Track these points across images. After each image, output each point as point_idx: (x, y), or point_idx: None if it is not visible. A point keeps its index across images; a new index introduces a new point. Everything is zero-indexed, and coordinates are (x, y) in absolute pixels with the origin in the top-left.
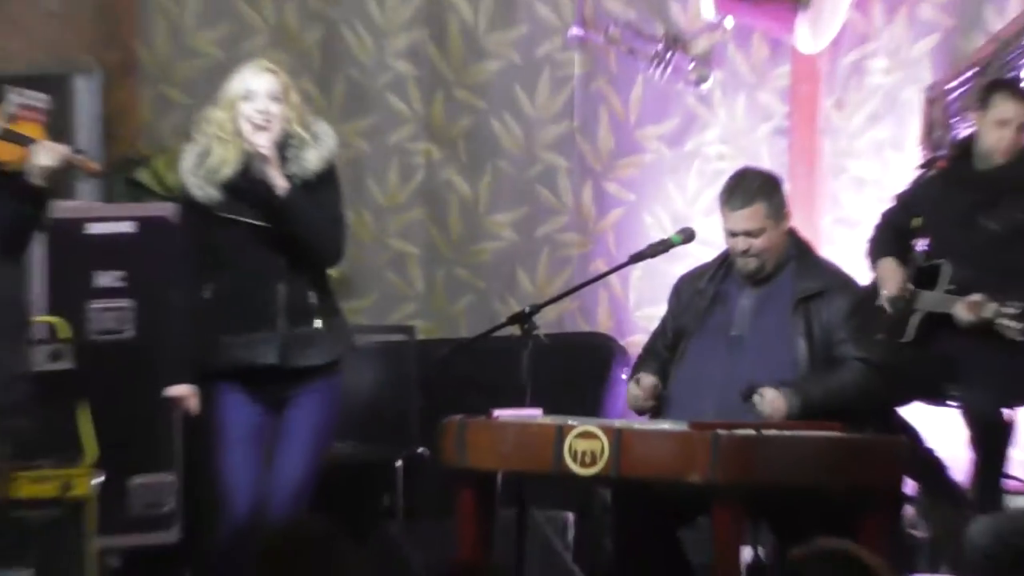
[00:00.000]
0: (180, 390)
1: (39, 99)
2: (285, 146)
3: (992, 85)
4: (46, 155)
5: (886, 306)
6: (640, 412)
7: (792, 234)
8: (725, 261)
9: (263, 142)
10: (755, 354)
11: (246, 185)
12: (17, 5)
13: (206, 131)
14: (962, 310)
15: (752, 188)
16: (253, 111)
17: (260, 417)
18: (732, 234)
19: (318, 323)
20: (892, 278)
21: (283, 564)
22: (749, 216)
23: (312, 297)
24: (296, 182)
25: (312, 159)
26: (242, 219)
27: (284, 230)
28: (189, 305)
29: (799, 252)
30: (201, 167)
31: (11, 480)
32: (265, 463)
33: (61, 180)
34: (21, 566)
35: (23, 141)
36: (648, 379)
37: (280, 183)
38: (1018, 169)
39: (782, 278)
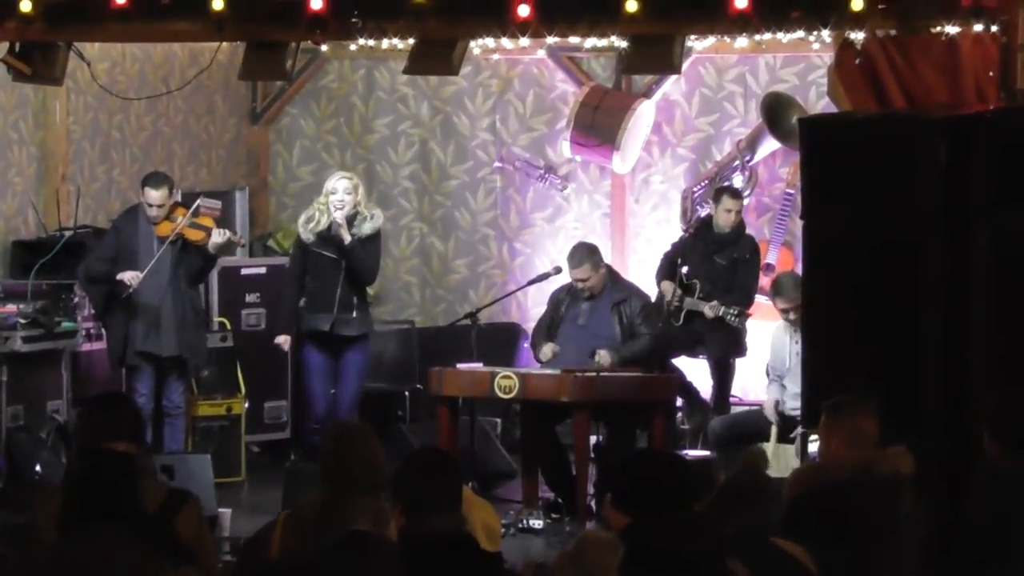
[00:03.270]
0: (280, 338)
1: (215, 203)
2: (354, 217)
3: (721, 189)
4: (216, 236)
5: (666, 305)
6: (542, 362)
7: (609, 270)
8: (573, 286)
9: (339, 216)
10: (593, 333)
11: (328, 236)
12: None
13: (315, 205)
14: (708, 310)
15: (580, 254)
16: (335, 199)
17: (327, 361)
18: (573, 279)
19: (355, 314)
20: (668, 291)
21: (339, 442)
22: (581, 272)
23: (354, 300)
24: (356, 237)
25: (367, 228)
26: (324, 253)
27: (346, 263)
28: (291, 300)
29: (612, 279)
30: (308, 223)
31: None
32: (331, 388)
33: (225, 249)
34: (204, 452)
35: (202, 228)
36: (553, 346)
37: (346, 238)
38: (736, 233)
39: (604, 294)
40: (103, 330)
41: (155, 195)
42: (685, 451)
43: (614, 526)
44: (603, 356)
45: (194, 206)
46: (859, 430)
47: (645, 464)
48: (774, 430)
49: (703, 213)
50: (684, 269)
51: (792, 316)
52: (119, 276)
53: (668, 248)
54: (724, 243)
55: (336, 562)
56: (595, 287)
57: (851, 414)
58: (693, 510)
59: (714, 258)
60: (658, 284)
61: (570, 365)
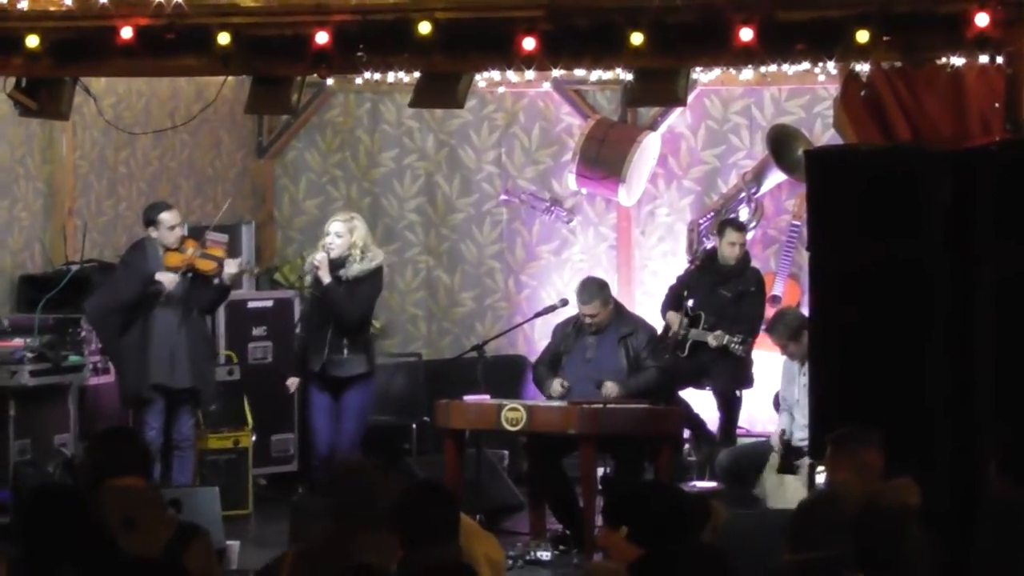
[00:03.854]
0: (289, 380)
1: (222, 237)
2: (347, 258)
3: (724, 222)
4: (229, 267)
5: (671, 336)
6: (552, 397)
7: (615, 303)
8: (579, 319)
9: (318, 257)
10: (600, 366)
11: (316, 276)
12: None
13: (319, 244)
14: (712, 339)
15: (590, 291)
16: (327, 240)
17: (329, 399)
18: (582, 315)
19: (346, 354)
20: (675, 321)
21: (346, 479)
22: (590, 308)
23: (345, 339)
24: (341, 279)
25: (354, 269)
26: (314, 292)
27: (326, 304)
28: (301, 340)
29: (619, 313)
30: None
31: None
32: (334, 425)
33: (236, 279)
34: (212, 485)
35: (213, 259)
36: (561, 381)
37: (324, 279)
38: (741, 265)
39: (611, 328)
40: (110, 364)
41: (170, 216)
42: (692, 483)
43: (622, 558)
44: (609, 387)
45: (202, 239)
46: (864, 462)
47: (662, 497)
48: (775, 458)
49: (709, 245)
50: (690, 302)
51: (782, 353)
52: (158, 276)
53: (674, 281)
54: (729, 276)
55: None
56: (602, 321)
57: (855, 446)
58: (701, 541)
59: (719, 290)
60: (663, 314)
61: (576, 397)
